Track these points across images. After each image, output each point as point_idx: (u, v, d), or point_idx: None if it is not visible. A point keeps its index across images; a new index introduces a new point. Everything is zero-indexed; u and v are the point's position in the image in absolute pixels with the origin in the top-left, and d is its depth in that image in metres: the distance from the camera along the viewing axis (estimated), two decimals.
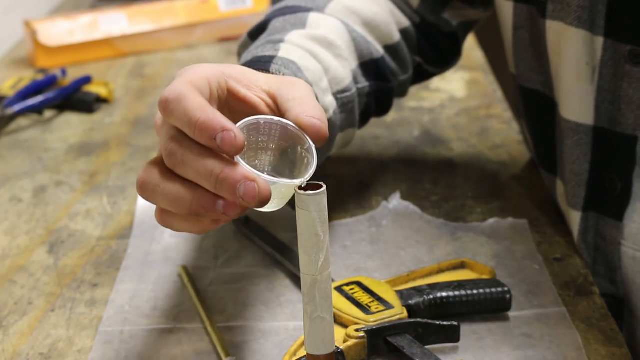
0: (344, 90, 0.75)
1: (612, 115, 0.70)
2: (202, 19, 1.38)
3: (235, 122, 0.54)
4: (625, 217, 0.71)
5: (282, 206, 0.55)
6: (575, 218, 0.74)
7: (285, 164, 0.57)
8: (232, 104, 0.59)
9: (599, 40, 0.68)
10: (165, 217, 0.57)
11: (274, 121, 0.56)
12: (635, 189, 0.70)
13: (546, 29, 0.72)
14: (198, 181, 0.54)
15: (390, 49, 0.81)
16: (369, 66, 0.79)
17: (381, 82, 0.80)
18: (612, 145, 0.70)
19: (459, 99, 1.11)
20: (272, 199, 0.53)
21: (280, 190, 0.54)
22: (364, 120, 0.81)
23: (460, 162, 0.92)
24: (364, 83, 0.78)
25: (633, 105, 0.68)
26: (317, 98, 0.69)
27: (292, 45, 0.73)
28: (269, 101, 0.59)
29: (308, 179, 0.53)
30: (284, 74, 0.67)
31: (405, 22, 0.84)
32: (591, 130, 0.71)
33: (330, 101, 0.72)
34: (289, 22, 0.77)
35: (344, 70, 0.75)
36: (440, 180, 0.88)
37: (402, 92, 0.86)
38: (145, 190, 0.56)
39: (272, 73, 0.67)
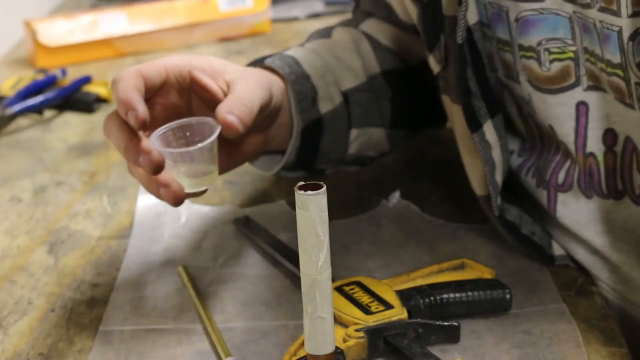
0: (356, 89, 0.77)
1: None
2: (202, 19, 1.38)
3: (201, 107, 0.68)
4: (554, 257, 0.72)
5: (202, 186, 0.66)
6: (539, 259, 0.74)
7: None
8: (197, 91, 0.67)
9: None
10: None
11: (197, 120, 0.65)
12: (553, 233, 0.73)
13: (444, 102, 0.74)
14: (116, 148, 0.65)
15: (424, 64, 0.81)
16: (392, 75, 0.80)
17: (410, 91, 0.81)
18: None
19: None
20: (180, 177, 0.64)
21: (180, 167, 0.64)
22: (403, 127, 0.82)
23: (460, 162, 0.92)
24: (386, 88, 0.80)
25: (493, 188, 0.70)
26: (315, 89, 0.74)
27: (299, 47, 0.78)
28: (227, 90, 0.67)
29: (189, 150, 0.63)
30: (277, 66, 0.74)
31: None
32: (486, 200, 0.71)
33: (336, 95, 0.76)
34: (321, 33, 0.83)
35: (356, 71, 0.78)
36: (440, 180, 0.88)
37: (434, 122, 0.88)
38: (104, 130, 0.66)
39: (266, 65, 0.74)
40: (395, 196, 0.83)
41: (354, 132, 0.78)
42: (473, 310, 0.65)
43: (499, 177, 0.69)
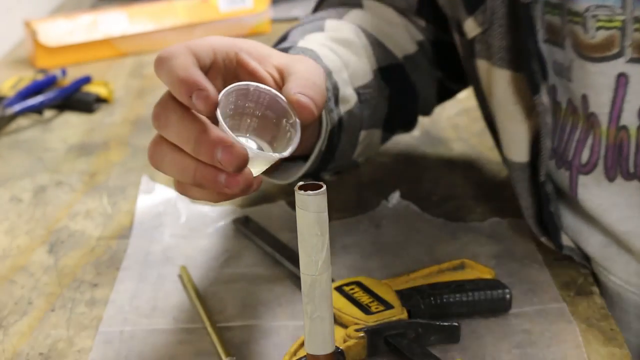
0: (365, 87, 0.74)
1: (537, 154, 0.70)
2: (202, 19, 1.38)
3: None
4: (564, 243, 0.71)
5: (258, 174, 0.56)
6: (547, 242, 0.73)
7: (268, 133, 0.58)
8: (241, 77, 0.59)
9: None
10: (180, 186, 0.58)
11: (264, 90, 0.56)
12: (567, 220, 0.71)
13: (477, 67, 0.72)
14: (180, 145, 0.54)
15: (409, 59, 0.81)
16: (389, 71, 0.78)
17: (402, 90, 0.80)
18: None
19: (459, 98, 1.10)
20: (250, 167, 0.54)
21: (257, 160, 0.55)
22: (388, 129, 0.81)
23: (460, 162, 0.92)
24: (384, 86, 0.78)
25: (543, 149, 0.68)
26: (337, 86, 0.70)
27: (311, 41, 0.73)
28: (277, 77, 0.60)
29: (287, 155, 0.55)
30: (309, 56, 0.67)
31: (420, 36, 0.84)
32: (527, 167, 0.70)
33: (351, 93, 0.72)
34: (307, 29, 0.77)
35: (365, 67, 0.75)
36: (440, 180, 0.88)
37: (427, 110, 0.87)
38: (153, 159, 0.56)
39: None
40: (395, 196, 0.83)
41: (362, 134, 0.75)
42: (473, 311, 0.65)
43: (549, 142, 0.68)
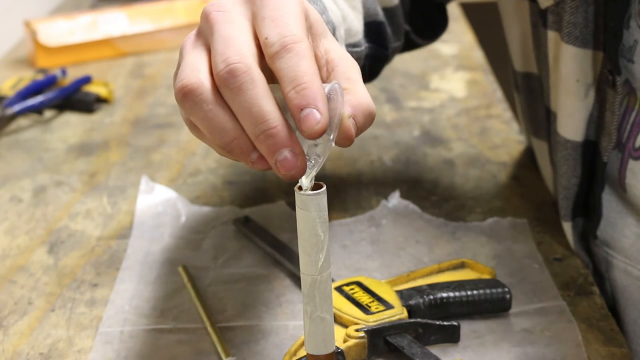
0: (355, 45, 0.72)
1: (596, 134, 0.69)
2: None
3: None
4: (600, 233, 0.70)
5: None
6: (567, 228, 0.73)
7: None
8: None
9: (597, 56, 0.67)
10: (196, 132, 0.53)
11: (338, 100, 0.50)
12: (610, 208, 0.70)
13: (548, 39, 0.71)
14: (241, 118, 0.49)
15: (388, 12, 0.79)
16: (371, 28, 0.76)
17: (379, 46, 0.78)
18: (595, 163, 0.70)
19: (459, 99, 1.11)
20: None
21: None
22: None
23: (460, 162, 0.92)
24: (365, 44, 0.75)
25: (606, 130, 0.68)
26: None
27: None
28: (323, 62, 0.54)
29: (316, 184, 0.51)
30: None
31: None
32: (579, 146, 0.70)
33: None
34: None
35: (357, 23, 0.72)
36: (440, 180, 0.88)
37: (390, 60, 0.84)
38: (189, 100, 0.50)
39: None
40: (395, 196, 0.83)
41: None
42: (473, 311, 0.65)
43: (615, 124, 0.67)
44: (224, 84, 0.49)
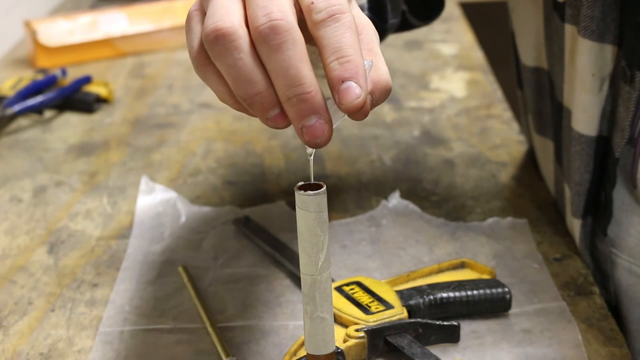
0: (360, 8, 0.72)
1: (609, 129, 0.69)
2: None
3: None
4: (608, 231, 0.70)
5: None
6: (576, 225, 0.73)
7: None
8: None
9: (611, 51, 0.67)
10: (210, 76, 0.51)
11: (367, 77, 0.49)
12: (615, 206, 0.70)
13: (565, 32, 0.71)
14: (275, 76, 0.47)
15: None
16: (373, 1, 0.75)
17: (378, 19, 0.76)
18: (608, 159, 0.70)
19: (459, 99, 1.11)
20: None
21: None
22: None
23: (460, 162, 0.92)
24: (367, 12, 0.74)
25: (618, 125, 0.67)
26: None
27: None
28: None
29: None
30: None
31: None
32: (593, 141, 0.69)
33: None
34: None
35: None
36: (440, 180, 0.88)
37: (385, 37, 0.83)
38: (220, 44, 0.48)
39: None
40: (395, 196, 0.83)
41: None
42: (473, 311, 0.65)
43: (629, 120, 0.66)
44: (263, 39, 0.47)
